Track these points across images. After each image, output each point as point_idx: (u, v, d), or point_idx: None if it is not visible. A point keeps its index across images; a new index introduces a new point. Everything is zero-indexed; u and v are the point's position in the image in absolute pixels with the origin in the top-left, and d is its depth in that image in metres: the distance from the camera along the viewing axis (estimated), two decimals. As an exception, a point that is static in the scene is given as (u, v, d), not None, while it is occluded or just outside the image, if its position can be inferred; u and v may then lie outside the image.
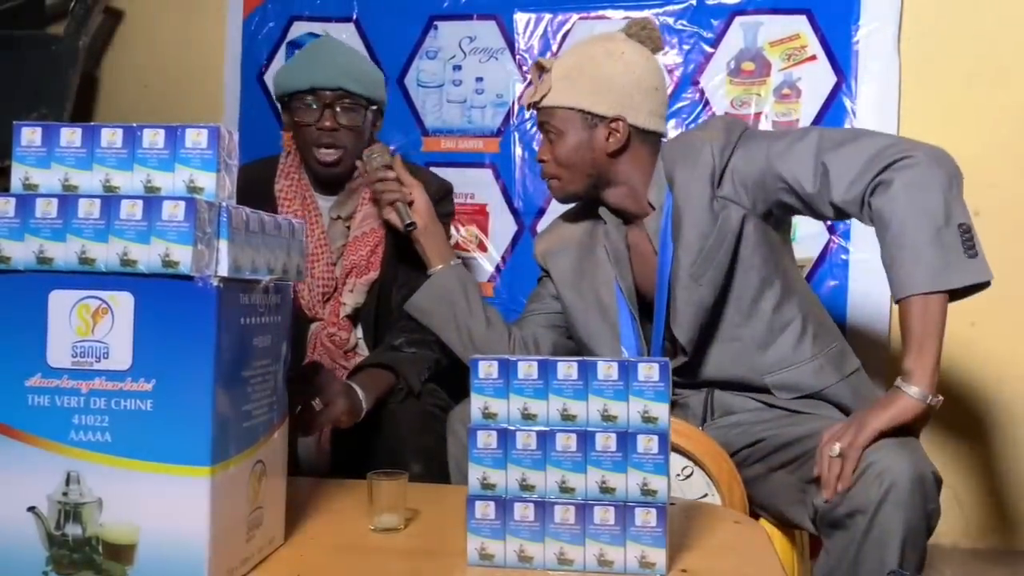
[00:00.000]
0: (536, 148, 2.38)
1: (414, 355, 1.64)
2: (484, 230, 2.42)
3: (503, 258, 2.41)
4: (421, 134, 2.44)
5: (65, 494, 0.90)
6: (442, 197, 1.75)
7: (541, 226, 2.36)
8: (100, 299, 0.90)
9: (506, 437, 1.03)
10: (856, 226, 2.19)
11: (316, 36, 2.45)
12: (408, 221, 1.58)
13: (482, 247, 2.41)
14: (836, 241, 2.20)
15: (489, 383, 1.04)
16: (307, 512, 1.21)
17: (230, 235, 0.93)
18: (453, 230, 2.30)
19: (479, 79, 2.42)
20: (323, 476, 1.56)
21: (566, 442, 1.01)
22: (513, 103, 2.39)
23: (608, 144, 1.51)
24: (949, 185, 1.24)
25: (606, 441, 1.01)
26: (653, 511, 0.99)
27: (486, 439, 1.03)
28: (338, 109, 1.66)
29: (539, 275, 1.75)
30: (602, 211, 1.60)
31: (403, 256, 1.74)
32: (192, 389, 0.89)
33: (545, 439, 1.02)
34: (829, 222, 1.47)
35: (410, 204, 1.60)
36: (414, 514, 1.21)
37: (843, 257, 2.20)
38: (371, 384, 1.53)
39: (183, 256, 0.88)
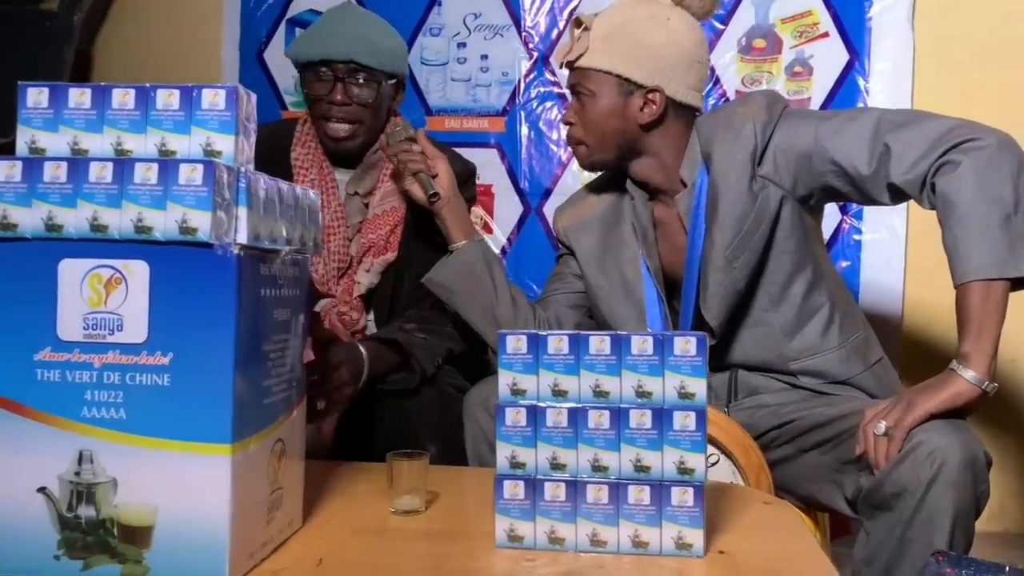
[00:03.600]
0: (543, 128, 2.34)
1: (426, 340, 1.59)
2: (489, 212, 2.38)
3: (509, 240, 2.37)
4: (425, 113, 2.39)
5: (77, 474, 0.85)
6: (465, 180, 1.69)
7: (548, 207, 2.32)
8: (113, 268, 0.85)
9: (536, 414, 0.99)
10: (868, 207, 2.15)
11: (317, 13, 2.39)
12: (432, 192, 1.52)
13: (487, 229, 2.36)
14: (848, 222, 2.17)
15: (518, 358, 1.00)
16: (323, 495, 1.17)
17: (249, 202, 0.89)
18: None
19: (484, 57, 2.37)
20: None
21: (599, 419, 0.97)
22: (519, 81, 2.34)
23: (642, 115, 1.46)
24: (1019, 172, 1.20)
25: (641, 418, 0.97)
26: (690, 490, 0.96)
27: (515, 416, 0.99)
28: (350, 82, 1.60)
29: (558, 253, 1.70)
30: (629, 185, 1.55)
31: (418, 239, 1.69)
32: (212, 363, 0.84)
33: (577, 416, 0.98)
34: (879, 206, 1.42)
35: (433, 177, 1.54)
36: (434, 496, 1.17)
37: (855, 238, 2.17)
38: (376, 353, 1.48)
39: (202, 222, 0.84)
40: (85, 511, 0.85)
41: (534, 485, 0.98)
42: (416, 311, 1.64)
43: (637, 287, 1.51)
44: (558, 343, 0.99)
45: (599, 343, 0.98)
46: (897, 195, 1.31)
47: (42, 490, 0.86)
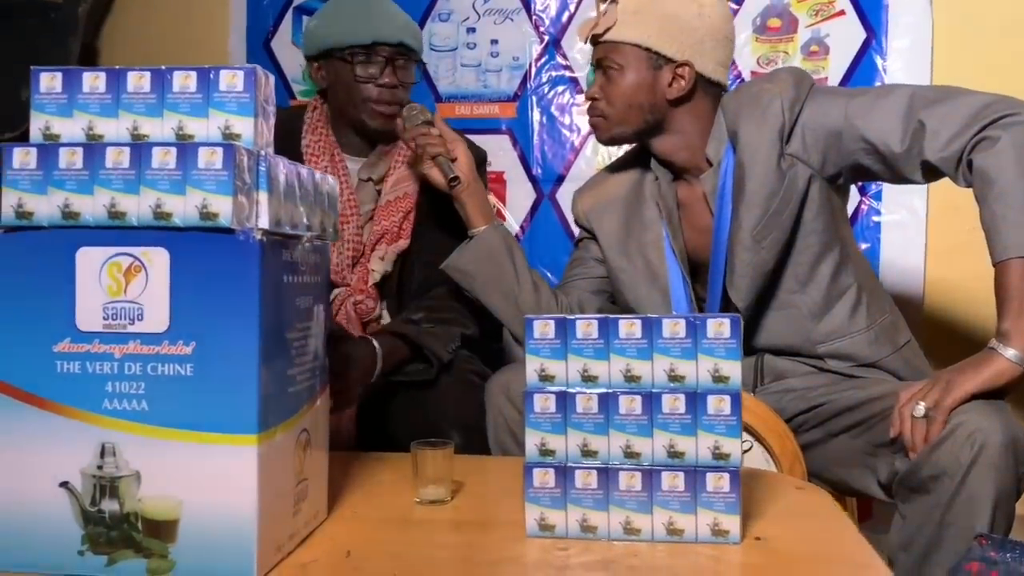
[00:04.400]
0: (555, 113, 2.31)
1: (435, 328, 1.57)
2: (501, 199, 2.34)
3: (522, 228, 2.33)
4: (434, 100, 2.36)
5: (100, 468, 0.83)
6: (476, 167, 1.67)
7: (561, 194, 2.29)
8: (132, 256, 0.83)
9: (565, 400, 0.96)
10: (888, 188, 2.12)
11: (324, 1, 2.36)
12: (452, 175, 1.49)
13: (500, 216, 2.33)
14: (867, 203, 2.14)
15: (545, 343, 0.97)
16: (346, 486, 1.15)
17: (270, 186, 0.86)
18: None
19: (494, 42, 2.33)
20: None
21: (630, 404, 0.95)
22: (530, 65, 2.31)
23: (670, 90, 1.43)
24: None
25: (674, 403, 0.94)
26: (726, 475, 0.93)
27: (543, 403, 0.97)
28: (399, 64, 1.60)
29: (577, 237, 1.67)
30: (654, 164, 1.52)
31: (430, 226, 1.66)
32: (236, 351, 0.82)
33: (607, 402, 0.95)
34: (909, 185, 1.38)
35: (452, 161, 1.51)
36: (458, 486, 1.14)
37: (875, 219, 2.14)
38: (391, 348, 1.46)
39: (222, 207, 0.81)
40: (109, 505, 0.83)
41: (565, 473, 0.96)
42: (422, 301, 1.62)
43: (661, 271, 1.48)
44: (587, 327, 0.97)
45: (629, 327, 0.96)
46: (930, 173, 1.28)
47: (64, 485, 0.84)
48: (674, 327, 0.95)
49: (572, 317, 0.97)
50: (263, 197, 0.85)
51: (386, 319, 1.68)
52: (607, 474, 0.95)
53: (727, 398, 0.93)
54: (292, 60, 2.40)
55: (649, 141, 1.49)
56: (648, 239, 1.51)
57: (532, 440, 0.97)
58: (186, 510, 0.83)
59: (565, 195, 2.28)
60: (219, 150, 0.82)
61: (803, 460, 1.32)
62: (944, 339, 2.06)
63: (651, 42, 1.42)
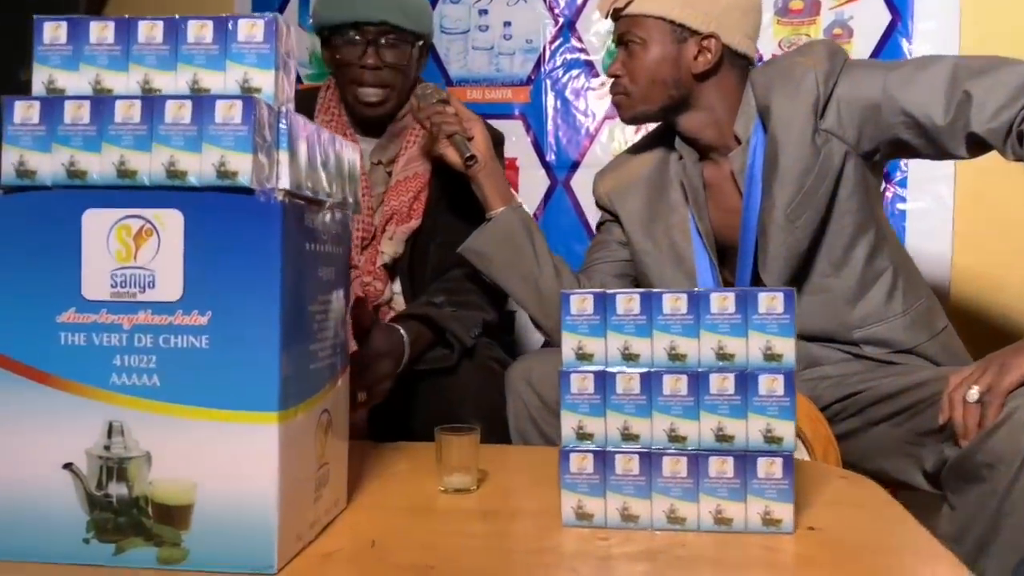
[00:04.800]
0: (569, 97, 2.25)
1: (457, 312, 1.50)
2: (514, 185, 2.27)
3: (535, 215, 2.27)
4: (445, 84, 2.29)
5: (107, 448, 0.77)
6: (494, 147, 1.61)
7: (576, 181, 2.23)
8: (143, 218, 0.76)
9: (604, 380, 0.90)
10: (913, 174, 2.06)
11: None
12: (469, 154, 1.43)
13: (515, 199, 2.27)
14: (892, 189, 2.08)
15: (583, 320, 0.91)
16: (365, 474, 1.08)
17: (291, 146, 0.80)
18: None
19: (507, 24, 2.27)
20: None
21: (675, 385, 0.89)
22: (544, 49, 2.24)
23: (696, 63, 1.37)
24: None
25: (722, 383, 0.88)
26: (778, 461, 0.87)
27: (581, 383, 0.90)
28: (383, 44, 1.52)
29: (599, 220, 1.60)
30: (679, 143, 1.46)
31: (443, 206, 1.60)
32: (255, 322, 0.75)
33: (650, 382, 0.89)
34: (951, 160, 1.32)
35: (469, 139, 1.45)
36: (483, 475, 1.08)
37: (900, 207, 2.08)
38: (416, 334, 1.40)
39: (242, 165, 0.75)
40: (116, 489, 0.77)
41: (604, 458, 0.90)
42: (441, 283, 1.56)
43: (687, 254, 1.42)
44: (628, 302, 0.90)
45: (674, 301, 0.89)
46: (976, 147, 1.22)
47: (68, 466, 0.77)
48: (723, 301, 0.88)
49: (612, 292, 0.91)
50: (284, 157, 0.79)
51: (398, 302, 1.61)
52: (650, 459, 0.89)
53: (780, 377, 0.87)
54: (299, 43, 2.33)
55: (675, 119, 1.43)
56: (674, 221, 1.46)
57: (568, 423, 0.91)
58: (201, 494, 0.76)
59: (580, 182, 2.22)
60: (238, 104, 0.75)
61: (837, 447, 1.26)
62: (972, 328, 2.00)
63: (675, 14, 1.36)
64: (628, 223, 1.48)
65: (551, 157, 2.26)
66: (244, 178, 0.75)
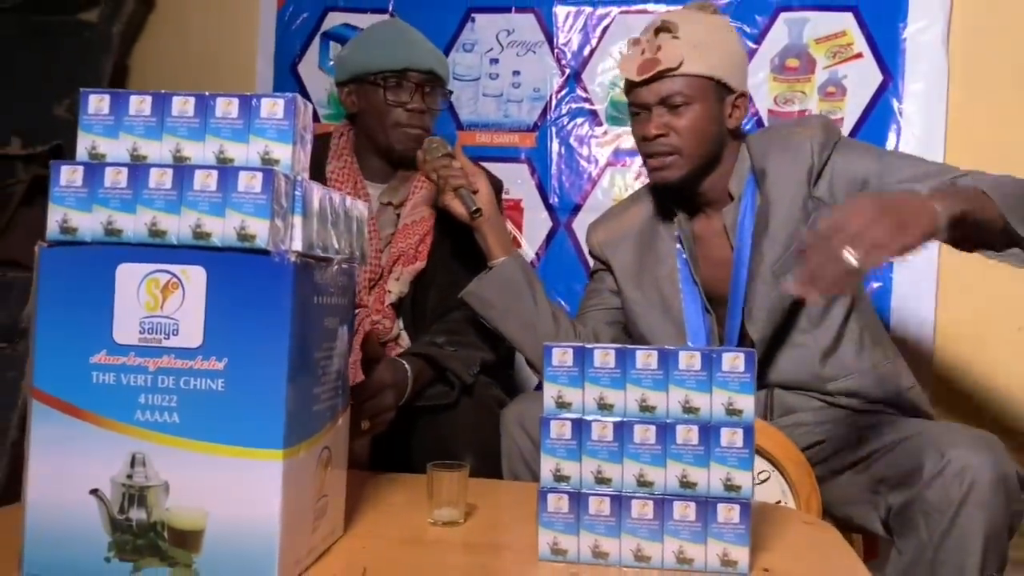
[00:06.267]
0: (573, 144, 2.35)
1: (457, 352, 1.59)
2: (518, 226, 2.37)
3: (537, 255, 2.36)
4: (456, 128, 2.40)
5: (130, 477, 0.86)
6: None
7: (577, 223, 2.32)
8: (170, 273, 0.86)
9: (581, 427, 0.99)
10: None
11: (352, 28, 2.42)
12: (474, 208, 1.53)
13: (516, 244, 2.36)
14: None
15: (563, 371, 1.00)
16: (361, 505, 1.17)
17: (304, 210, 0.90)
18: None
19: (516, 73, 2.38)
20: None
21: (644, 434, 0.97)
22: (551, 97, 2.35)
23: (731, 120, 1.47)
24: None
25: (688, 434, 0.96)
26: (736, 507, 0.95)
27: (560, 429, 0.99)
28: (427, 91, 1.68)
29: (592, 269, 1.70)
30: (671, 197, 1.54)
31: (445, 250, 1.70)
32: (266, 368, 0.85)
33: (622, 430, 0.98)
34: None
35: (474, 193, 1.55)
36: (472, 509, 1.16)
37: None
38: (419, 370, 1.49)
39: (260, 229, 0.85)
40: (136, 514, 0.86)
41: (578, 499, 0.98)
42: (442, 324, 1.65)
43: (675, 303, 1.51)
44: (604, 356, 0.99)
45: (646, 357, 0.98)
46: None
47: (94, 492, 0.87)
48: (690, 359, 0.97)
49: (590, 346, 1.00)
50: (298, 220, 0.89)
51: (404, 338, 1.71)
52: (620, 501, 0.97)
53: (740, 431, 0.96)
54: (318, 84, 2.45)
55: (700, 176, 1.48)
56: (662, 272, 1.54)
57: (547, 465, 0.99)
58: (211, 521, 0.85)
59: (581, 225, 2.31)
60: (259, 175, 0.85)
61: (819, 493, 1.33)
62: (954, 381, 2.08)
63: (719, 73, 1.44)
64: (619, 273, 1.58)
65: (554, 200, 2.36)
66: (261, 241, 0.85)
